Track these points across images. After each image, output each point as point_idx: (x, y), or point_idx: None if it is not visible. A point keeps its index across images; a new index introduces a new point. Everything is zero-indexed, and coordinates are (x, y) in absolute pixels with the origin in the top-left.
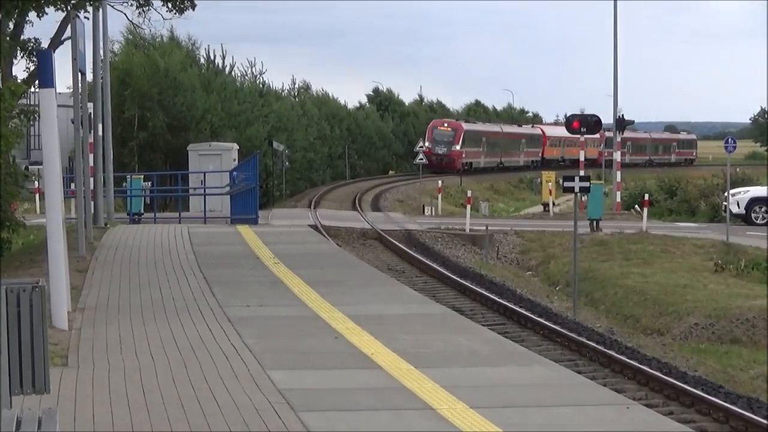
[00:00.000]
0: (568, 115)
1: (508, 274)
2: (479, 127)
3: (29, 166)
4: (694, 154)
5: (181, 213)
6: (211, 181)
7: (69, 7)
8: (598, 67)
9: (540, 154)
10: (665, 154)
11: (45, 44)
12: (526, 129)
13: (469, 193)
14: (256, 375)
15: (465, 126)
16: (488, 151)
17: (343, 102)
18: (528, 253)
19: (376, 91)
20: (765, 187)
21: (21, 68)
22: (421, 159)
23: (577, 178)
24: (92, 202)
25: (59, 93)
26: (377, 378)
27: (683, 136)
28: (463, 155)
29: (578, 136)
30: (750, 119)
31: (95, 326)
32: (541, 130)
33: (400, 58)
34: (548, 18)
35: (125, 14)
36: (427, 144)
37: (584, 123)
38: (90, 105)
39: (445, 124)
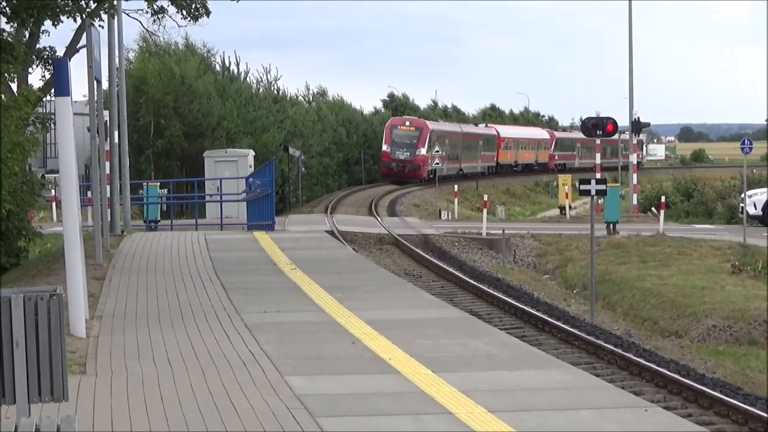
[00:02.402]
0: (583, 118)
1: (525, 278)
2: (444, 126)
3: (45, 175)
4: (641, 156)
5: (198, 220)
6: (228, 187)
7: (84, 16)
8: (614, 70)
9: (495, 159)
10: (613, 156)
11: (60, 53)
12: (482, 129)
13: (486, 197)
14: (273, 381)
15: (431, 125)
16: (450, 156)
17: (358, 107)
18: (545, 257)
19: (391, 96)
20: None
21: (37, 77)
22: (437, 163)
23: (593, 181)
24: (109, 210)
25: (75, 101)
26: (395, 382)
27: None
28: (429, 161)
29: (533, 137)
30: (766, 120)
31: (113, 334)
32: (496, 131)
33: (414, 62)
34: (564, 20)
35: (140, 22)
36: (385, 147)
37: (600, 126)
38: (106, 113)
39: (407, 123)
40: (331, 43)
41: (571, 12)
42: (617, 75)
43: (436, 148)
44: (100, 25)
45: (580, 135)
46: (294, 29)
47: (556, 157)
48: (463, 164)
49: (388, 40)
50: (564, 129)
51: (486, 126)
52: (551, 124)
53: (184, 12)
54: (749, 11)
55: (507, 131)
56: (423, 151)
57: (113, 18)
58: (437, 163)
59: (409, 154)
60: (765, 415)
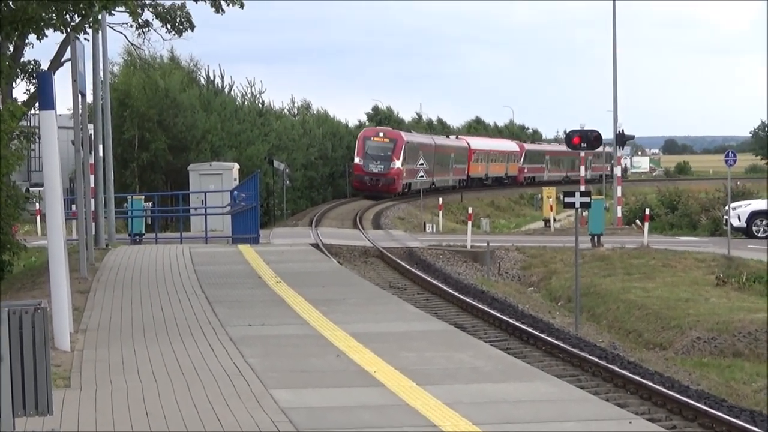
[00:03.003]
0: (567, 131)
1: (509, 290)
2: (418, 138)
3: (30, 188)
4: (609, 169)
5: (183, 233)
6: (212, 200)
7: (69, 29)
8: (599, 83)
9: (466, 172)
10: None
11: (45, 66)
12: (454, 141)
13: (470, 210)
14: (258, 394)
15: (406, 137)
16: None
17: (343, 120)
18: (529, 269)
19: (375, 109)
20: (766, 201)
21: (21, 90)
22: (422, 176)
23: (577, 194)
24: (93, 224)
25: (59, 115)
26: (380, 395)
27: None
28: (404, 174)
29: (503, 149)
30: (750, 133)
31: (97, 347)
32: (467, 143)
33: (399, 76)
34: (549, 34)
35: (125, 35)
36: (357, 160)
37: (584, 138)
38: (90, 126)
39: (381, 134)
40: (316, 57)
41: (556, 26)
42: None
43: (420, 161)
44: (85, 39)
45: (549, 147)
46: (279, 43)
47: (526, 170)
48: (436, 177)
49: (373, 54)
50: (533, 141)
51: (457, 138)
52: (535, 137)
53: (169, 26)
54: (734, 24)
55: (478, 143)
56: (398, 163)
57: (98, 32)
58: (422, 176)
59: (383, 167)
60: (749, 426)
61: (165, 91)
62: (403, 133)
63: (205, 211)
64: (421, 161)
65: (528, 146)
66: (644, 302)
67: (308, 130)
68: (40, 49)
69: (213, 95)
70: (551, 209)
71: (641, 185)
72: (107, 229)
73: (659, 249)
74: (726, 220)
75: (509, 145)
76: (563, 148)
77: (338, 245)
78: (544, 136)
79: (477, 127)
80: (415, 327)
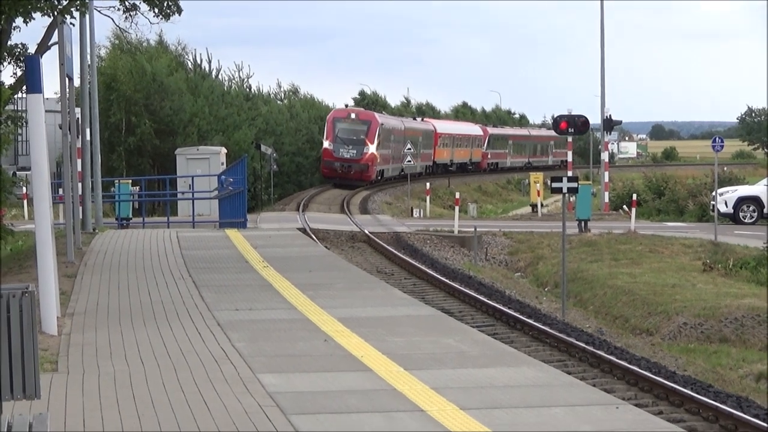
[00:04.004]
0: (555, 116)
1: (496, 276)
2: (391, 120)
3: (17, 172)
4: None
5: (170, 217)
6: (199, 185)
7: (56, 13)
8: (586, 68)
9: (432, 158)
10: (543, 155)
11: (32, 50)
12: (421, 124)
13: (458, 195)
14: (246, 378)
15: (380, 118)
16: (394, 155)
17: (330, 105)
18: (517, 255)
19: (362, 93)
20: (752, 186)
21: (8, 74)
22: (409, 161)
23: (565, 179)
24: (80, 208)
25: (47, 98)
26: (367, 380)
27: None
28: (378, 160)
29: (468, 133)
30: (737, 118)
31: (85, 331)
32: (433, 126)
33: (387, 61)
34: (536, 19)
35: (112, 19)
36: (326, 144)
37: (572, 123)
38: (77, 110)
39: (353, 116)
40: (303, 41)
41: (543, 11)
42: (590, 73)
43: (408, 146)
44: (72, 22)
45: (512, 131)
46: (266, 27)
47: (489, 156)
48: (405, 162)
49: (360, 39)
50: (495, 125)
51: (423, 120)
52: (522, 122)
53: (156, 10)
54: (720, 11)
55: (444, 127)
56: (372, 148)
57: (85, 15)
58: (409, 161)
59: (355, 152)
60: (735, 412)
61: (152, 75)
62: (377, 115)
63: (193, 195)
64: (409, 146)
65: (492, 130)
66: (631, 288)
67: (295, 115)
68: (27, 32)
69: (200, 79)
70: (539, 194)
71: (628, 171)
72: (94, 213)
73: (646, 235)
74: (713, 205)
75: (473, 129)
76: (526, 132)
77: (325, 230)
78: (531, 121)
79: (464, 112)
80: (402, 312)
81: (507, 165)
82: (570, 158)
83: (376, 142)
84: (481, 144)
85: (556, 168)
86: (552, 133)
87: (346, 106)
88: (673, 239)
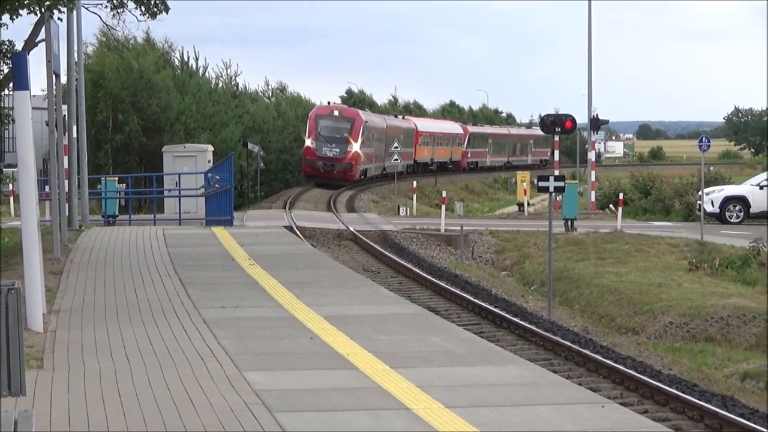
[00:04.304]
0: (542, 115)
1: (483, 274)
2: (374, 118)
3: (3, 169)
4: (549, 154)
5: (156, 215)
6: (186, 182)
7: (43, 9)
8: (575, 67)
9: (413, 156)
10: (522, 154)
11: (19, 47)
12: (402, 122)
13: (444, 194)
14: (231, 376)
15: (364, 116)
16: (377, 153)
17: (317, 103)
18: (503, 253)
19: (349, 92)
20: (739, 186)
21: None
22: (396, 159)
23: (551, 178)
24: (67, 205)
25: (33, 95)
26: (353, 378)
27: (539, 132)
28: (362, 159)
29: (448, 131)
30: (724, 118)
31: (70, 328)
32: (414, 124)
33: (375, 60)
34: (525, 18)
35: (99, 16)
36: (308, 142)
37: (558, 122)
38: (64, 107)
39: (336, 113)
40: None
41: (531, 10)
42: (577, 73)
43: (395, 144)
44: (59, 18)
45: (491, 130)
46: (254, 25)
47: (469, 155)
48: (387, 162)
49: (348, 38)
50: (475, 123)
51: (404, 118)
52: (509, 121)
53: (143, 7)
54: (710, 11)
55: (425, 125)
56: (356, 146)
57: (72, 12)
58: (396, 160)
59: (339, 150)
60: (720, 411)
61: (139, 73)
62: (361, 112)
63: (179, 193)
64: (395, 144)
65: (472, 129)
66: (617, 287)
67: (282, 113)
68: (14, 28)
69: (187, 77)
70: (525, 193)
71: (615, 170)
72: (81, 210)
73: (632, 234)
74: (699, 205)
75: (453, 128)
76: (505, 130)
77: (312, 228)
78: (518, 120)
79: (451, 110)
80: (388, 310)
81: (487, 164)
82: (557, 157)
83: (360, 140)
84: (461, 143)
85: (536, 167)
86: (532, 131)
87: (329, 103)
88: (659, 238)
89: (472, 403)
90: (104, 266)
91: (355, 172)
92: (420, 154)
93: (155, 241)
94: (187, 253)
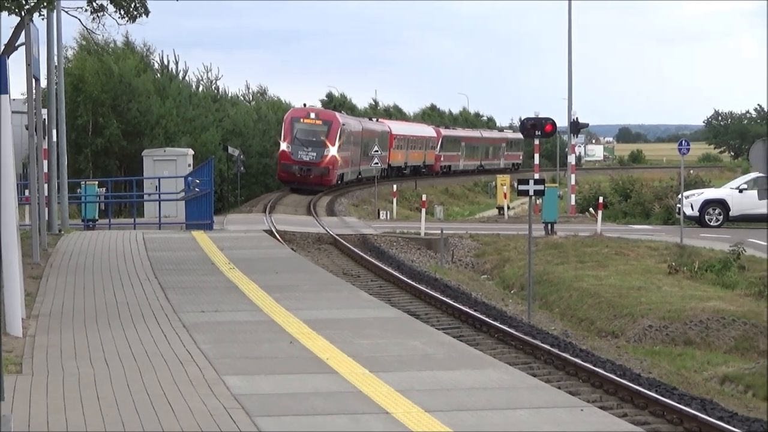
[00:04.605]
0: (522, 119)
1: (463, 278)
2: (351, 121)
3: None
4: (521, 157)
5: (136, 219)
6: (166, 186)
7: (23, 12)
8: (555, 71)
9: (387, 160)
10: (494, 158)
11: None
12: (377, 125)
13: (424, 197)
14: (211, 380)
15: (341, 119)
16: (353, 157)
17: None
18: (483, 257)
19: (329, 96)
20: (718, 189)
21: None
22: (376, 163)
23: (531, 182)
24: (46, 209)
25: (13, 99)
26: (333, 382)
27: (511, 135)
28: (339, 163)
29: (422, 134)
30: (704, 122)
31: (50, 333)
32: (388, 127)
33: (354, 62)
34: (504, 21)
35: (80, 20)
36: (284, 146)
37: (538, 126)
38: (44, 111)
39: (313, 115)
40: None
41: (514, 13)
42: (557, 76)
43: (375, 148)
44: (41, 17)
45: (464, 133)
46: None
47: (442, 158)
48: (362, 166)
49: (332, 41)
50: (448, 126)
51: (378, 121)
52: (490, 124)
53: (122, 11)
54: (692, 13)
55: (398, 128)
56: (333, 150)
57: (53, 12)
58: (376, 163)
59: (315, 154)
60: (699, 414)
61: (119, 77)
62: (338, 115)
63: (159, 197)
64: (376, 148)
65: (445, 132)
66: (597, 290)
67: (263, 116)
68: None
69: (168, 80)
70: (505, 197)
71: (595, 173)
72: (60, 214)
73: (612, 237)
74: (679, 208)
75: (426, 131)
76: (478, 133)
77: (292, 232)
78: (498, 123)
79: (432, 114)
80: (368, 314)
81: (460, 168)
82: (537, 161)
83: (337, 144)
84: (434, 146)
85: (508, 171)
86: (504, 134)
87: (305, 105)
88: (639, 242)
89: (451, 407)
90: (84, 270)
91: (333, 177)
92: (394, 158)
93: (135, 246)
94: (166, 257)
